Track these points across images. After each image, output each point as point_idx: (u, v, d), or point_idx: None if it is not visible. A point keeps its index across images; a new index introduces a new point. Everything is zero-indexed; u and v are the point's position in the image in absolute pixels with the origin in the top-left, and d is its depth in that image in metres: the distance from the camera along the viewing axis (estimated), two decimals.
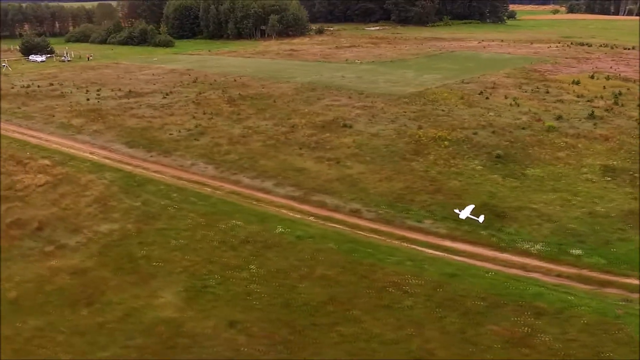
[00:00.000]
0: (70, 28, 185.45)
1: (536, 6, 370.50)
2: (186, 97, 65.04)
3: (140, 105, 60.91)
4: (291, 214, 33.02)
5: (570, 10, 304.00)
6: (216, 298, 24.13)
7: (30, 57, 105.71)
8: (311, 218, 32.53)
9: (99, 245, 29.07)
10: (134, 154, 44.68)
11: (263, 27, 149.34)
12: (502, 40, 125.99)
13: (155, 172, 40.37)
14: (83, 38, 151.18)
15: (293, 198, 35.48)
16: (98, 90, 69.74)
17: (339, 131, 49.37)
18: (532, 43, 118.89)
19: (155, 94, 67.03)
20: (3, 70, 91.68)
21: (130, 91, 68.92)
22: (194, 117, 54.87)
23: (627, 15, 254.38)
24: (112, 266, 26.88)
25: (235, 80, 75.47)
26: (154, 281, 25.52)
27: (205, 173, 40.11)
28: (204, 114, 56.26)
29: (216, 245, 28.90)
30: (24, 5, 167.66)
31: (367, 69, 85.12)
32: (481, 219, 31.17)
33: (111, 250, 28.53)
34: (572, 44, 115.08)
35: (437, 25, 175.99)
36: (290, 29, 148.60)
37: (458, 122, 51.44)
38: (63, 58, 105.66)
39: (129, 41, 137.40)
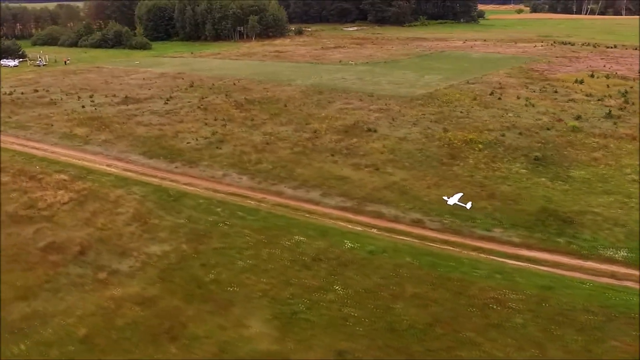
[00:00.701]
0: (33, 30, 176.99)
1: (497, 6, 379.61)
2: (189, 102, 61.97)
3: (143, 112, 57.51)
4: (350, 227, 31.08)
5: (534, 9, 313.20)
6: (312, 325, 21.99)
7: (1, 62, 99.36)
8: (374, 230, 30.70)
9: (157, 269, 26.35)
10: (155, 165, 41.68)
11: (240, 29, 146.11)
12: (484, 40, 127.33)
13: (186, 184, 37.61)
14: (50, 41, 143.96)
15: (346, 209, 33.54)
16: (90, 97, 65.69)
17: (365, 136, 47.73)
18: (515, 42, 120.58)
19: (155, 100, 63.61)
20: None
21: (126, 97, 65.20)
22: (206, 124, 52.09)
23: (590, 14, 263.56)
24: (181, 293, 24.29)
25: (234, 84, 72.69)
26: (234, 309, 23.11)
27: (241, 184, 37.63)
28: (215, 120, 53.52)
29: (287, 264, 26.68)
30: None
31: (363, 70, 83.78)
32: (469, 205, 32.05)
33: (173, 275, 25.88)
34: (554, 43, 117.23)
35: (414, 25, 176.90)
36: (270, 29, 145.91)
37: (481, 124, 50.65)
38: (38, 62, 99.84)
39: (102, 44, 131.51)
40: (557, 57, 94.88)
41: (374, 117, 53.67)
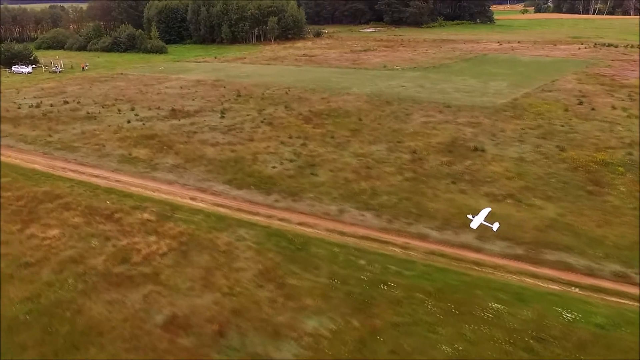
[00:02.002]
0: (33, 33, 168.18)
1: (495, 6, 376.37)
2: (248, 115, 55.02)
3: (202, 129, 50.47)
4: (543, 285, 24.54)
5: (538, 9, 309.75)
6: None
7: (13, 69, 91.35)
8: (576, 290, 24.19)
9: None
10: (249, 197, 34.76)
11: (256, 30, 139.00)
12: (519, 42, 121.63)
13: (300, 225, 30.80)
14: (56, 44, 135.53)
15: (519, 258, 26.99)
16: (132, 109, 58.46)
17: (475, 156, 41.28)
18: (555, 44, 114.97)
19: (207, 113, 56.54)
20: None
21: (173, 109, 58.06)
22: (282, 143, 45.26)
23: (598, 14, 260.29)
24: None
25: (286, 93, 65.83)
26: None
27: (367, 223, 30.90)
28: (290, 138, 46.71)
29: (507, 348, 20.04)
30: None
31: (416, 76, 77.38)
32: (495, 226, 27.86)
33: None
34: (596, 45, 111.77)
35: (432, 26, 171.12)
36: (289, 31, 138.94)
37: (596, 141, 44.46)
38: (54, 68, 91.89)
39: (114, 47, 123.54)
40: (612, 60, 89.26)
41: (470, 133, 47.25)
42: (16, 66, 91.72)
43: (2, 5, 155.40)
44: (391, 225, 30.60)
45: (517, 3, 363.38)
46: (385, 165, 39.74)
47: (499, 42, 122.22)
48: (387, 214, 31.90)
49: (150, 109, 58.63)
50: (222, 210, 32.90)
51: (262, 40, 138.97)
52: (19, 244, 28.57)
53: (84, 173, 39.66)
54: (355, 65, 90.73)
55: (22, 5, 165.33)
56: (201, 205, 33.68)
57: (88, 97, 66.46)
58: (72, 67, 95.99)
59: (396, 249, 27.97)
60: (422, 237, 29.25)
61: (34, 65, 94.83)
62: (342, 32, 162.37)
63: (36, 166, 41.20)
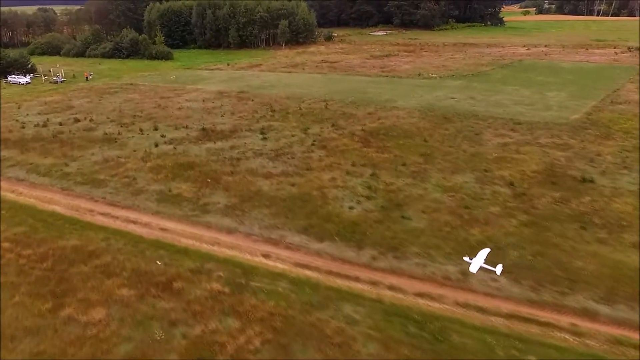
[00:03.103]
0: (23, 37, 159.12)
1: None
2: (293, 135, 47.66)
3: (245, 154, 43.01)
4: None
5: (539, 11, 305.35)
6: None
7: (9, 79, 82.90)
8: None
9: None
10: (337, 253, 27.43)
11: (262, 35, 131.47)
12: (545, 46, 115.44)
13: (419, 295, 23.59)
14: (51, 50, 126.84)
15: None
16: (155, 129, 50.81)
17: (586, 189, 34.38)
18: (586, 49, 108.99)
19: (244, 133, 49.09)
20: None
21: (204, 129, 50.49)
22: (347, 173, 37.99)
23: (603, 15, 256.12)
24: None
25: (326, 107, 58.58)
26: None
27: (506, 293, 23.73)
28: (354, 165, 39.49)
29: None
30: None
31: (460, 85, 70.55)
32: (499, 270, 24.58)
33: None
34: (630, 49, 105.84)
35: (444, 29, 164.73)
36: (299, 35, 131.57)
37: None
38: (55, 79, 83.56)
39: (115, 53, 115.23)
40: None
41: (563, 158, 40.39)
42: (12, 76, 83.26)
43: None
44: (540, 297, 23.47)
45: (512, 4, 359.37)
46: (485, 204, 32.66)
47: (524, 46, 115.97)
48: (526, 277, 24.78)
49: (176, 128, 51.00)
50: (309, 273, 25.56)
51: (271, 44, 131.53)
52: (55, 335, 21.05)
53: (117, 217, 32.04)
54: (385, 72, 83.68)
55: (13, 8, 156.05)
56: (280, 265, 26.32)
57: (100, 113, 58.58)
58: (74, 77, 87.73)
59: (566, 336, 20.89)
60: (591, 316, 22.18)
61: (31, 75, 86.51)
62: (352, 35, 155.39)
63: (56, 208, 33.50)
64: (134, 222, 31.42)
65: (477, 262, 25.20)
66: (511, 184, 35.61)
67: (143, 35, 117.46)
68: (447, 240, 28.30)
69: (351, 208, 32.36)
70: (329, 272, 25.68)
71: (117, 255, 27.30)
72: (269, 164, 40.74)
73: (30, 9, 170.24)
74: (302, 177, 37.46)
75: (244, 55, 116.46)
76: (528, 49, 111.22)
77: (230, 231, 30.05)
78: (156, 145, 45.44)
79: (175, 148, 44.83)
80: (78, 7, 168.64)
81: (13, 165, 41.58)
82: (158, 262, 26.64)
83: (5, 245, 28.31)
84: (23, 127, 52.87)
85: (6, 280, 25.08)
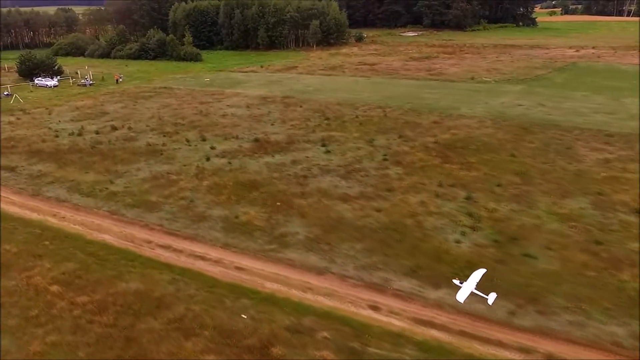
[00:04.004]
0: (45, 38, 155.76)
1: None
2: (358, 148, 42.44)
3: (310, 170, 37.84)
4: None
5: (566, 11, 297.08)
6: None
7: (36, 81, 78.68)
8: None
9: None
10: (461, 305, 22.08)
11: (292, 35, 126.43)
12: (593, 48, 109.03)
13: None
14: (74, 51, 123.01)
15: None
16: (203, 139, 45.91)
17: None
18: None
19: (302, 144, 43.96)
20: (11, 102, 65.37)
21: (256, 140, 45.46)
22: (437, 195, 32.63)
23: (634, 16, 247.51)
24: None
25: (385, 115, 53.28)
26: None
27: None
28: (441, 186, 34.10)
29: None
30: None
31: (521, 90, 64.84)
32: (491, 298, 21.68)
33: None
34: None
35: (476, 30, 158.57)
36: (330, 36, 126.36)
37: None
38: (83, 81, 79.12)
39: (142, 54, 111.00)
40: None
41: None
42: (39, 78, 79.07)
43: (13, 8, 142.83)
44: None
45: (534, 4, 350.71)
46: (619, 237, 27.07)
47: (570, 48, 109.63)
48: None
49: (226, 139, 46.03)
50: (437, 335, 20.23)
51: (300, 45, 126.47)
52: None
53: (181, 251, 26.98)
54: (434, 76, 78.13)
55: (35, 8, 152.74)
56: (396, 322, 21.02)
57: (138, 120, 53.87)
58: (103, 79, 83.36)
59: None
60: None
61: (59, 77, 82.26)
62: (381, 36, 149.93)
63: (107, 237, 28.54)
64: (202, 257, 26.34)
65: (467, 287, 21.78)
66: (637, 211, 30.03)
67: (171, 35, 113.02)
68: (595, 289, 22.79)
69: (458, 242, 26.99)
70: (462, 333, 20.34)
71: (190, 304, 22.21)
72: (341, 183, 35.50)
73: (50, 9, 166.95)
74: (386, 201, 32.16)
75: (275, 56, 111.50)
76: (577, 50, 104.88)
77: (320, 272, 24.82)
78: (208, 159, 40.45)
79: (230, 162, 39.79)
80: (96, 7, 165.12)
81: (52, 182, 36.78)
82: (243, 315, 21.50)
83: (54, 289, 23.37)
84: (57, 136, 48.26)
85: (61, 339, 20.10)
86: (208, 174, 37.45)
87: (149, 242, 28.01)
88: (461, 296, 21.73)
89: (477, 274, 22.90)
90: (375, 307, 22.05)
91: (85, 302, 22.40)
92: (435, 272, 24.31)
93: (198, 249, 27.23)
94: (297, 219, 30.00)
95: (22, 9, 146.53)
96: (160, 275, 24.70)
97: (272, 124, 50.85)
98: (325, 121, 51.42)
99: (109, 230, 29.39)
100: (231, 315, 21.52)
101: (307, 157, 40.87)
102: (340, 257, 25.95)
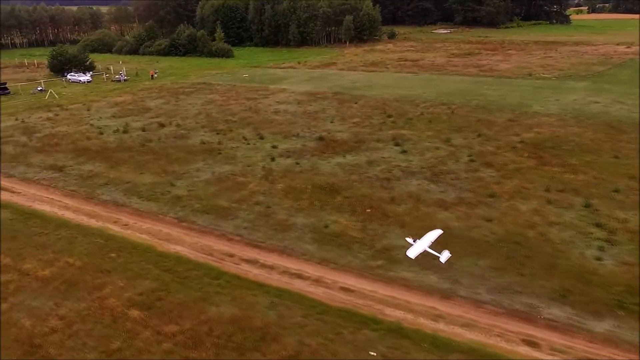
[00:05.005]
0: (69, 35, 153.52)
1: None
2: (437, 148, 38.18)
3: (391, 171, 33.66)
4: None
5: (593, 9, 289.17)
6: None
7: (69, 77, 75.60)
8: None
9: None
10: (637, 340, 17.82)
11: (324, 32, 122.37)
12: None
13: None
14: (102, 47, 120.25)
15: None
16: (260, 137, 42.01)
17: None
18: None
19: (373, 144, 39.78)
20: (46, 97, 62.29)
21: (321, 138, 41.43)
22: (549, 202, 28.16)
23: None
24: None
25: (452, 112, 48.88)
26: None
27: None
28: (548, 191, 29.66)
29: None
30: (17, 7, 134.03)
31: (590, 87, 60.12)
32: (444, 256, 20.87)
33: None
34: None
35: (510, 27, 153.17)
36: (363, 32, 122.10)
37: None
38: (117, 77, 75.76)
39: (171, 50, 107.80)
40: None
41: None
42: (72, 74, 75.99)
43: (39, 5, 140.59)
44: None
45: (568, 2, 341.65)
46: None
47: (620, 44, 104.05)
48: None
49: (285, 137, 42.06)
50: None
51: (332, 42, 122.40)
52: None
53: (271, 267, 22.93)
54: (485, 72, 73.56)
55: (60, 6, 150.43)
56: None
57: (185, 117, 50.16)
58: (137, 75, 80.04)
59: None
60: None
61: (91, 72, 79.10)
62: (412, 33, 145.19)
63: (180, 249, 24.60)
64: (299, 275, 22.28)
65: (420, 246, 21.45)
66: None
67: (202, 31, 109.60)
68: None
69: (599, 260, 22.61)
70: None
71: (302, 336, 18.16)
72: (431, 187, 31.29)
73: (69, 8, 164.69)
74: (492, 209, 27.87)
75: (308, 53, 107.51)
76: (627, 47, 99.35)
77: (445, 295, 20.62)
78: (272, 159, 36.46)
79: (298, 163, 35.76)
80: (118, 6, 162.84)
81: (106, 184, 33.02)
82: (372, 352, 17.41)
83: (134, 314, 19.47)
84: (101, 133, 44.66)
85: None
86: (278, 175, 33.44)
87: (231, 255, 24.02)
88: (412, 253, 21.33)
89: (433, 234, 22.56)
90: (532, 343, 17.80)
91: (174, 332, 18.45)
92: (589, 297, 19.98)
93: (291, 264, 23.18)
94: (396, 229, 25.82)
95: (48, 7, 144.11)
96: (254, 297, 20.68)
97: (332, 122, 46.75)
98: (389, 118, 47.24)
99: (180, 241, 25.46)
100: (356, 351, 17.45)
101: (383, 157, 36.70)
102: (464, 276, 21.74)
